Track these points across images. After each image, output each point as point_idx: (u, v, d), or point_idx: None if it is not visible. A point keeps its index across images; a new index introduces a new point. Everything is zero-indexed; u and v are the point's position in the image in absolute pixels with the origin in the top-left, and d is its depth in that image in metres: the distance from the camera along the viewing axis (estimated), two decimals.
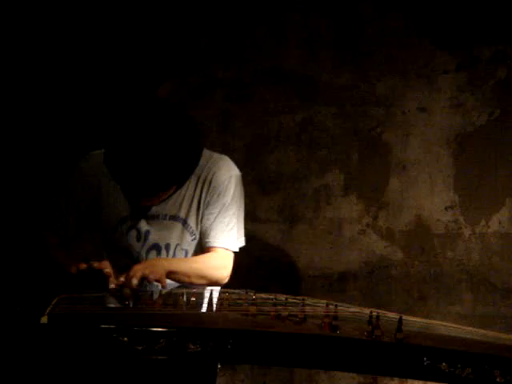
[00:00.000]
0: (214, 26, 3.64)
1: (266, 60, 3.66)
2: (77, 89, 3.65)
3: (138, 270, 2.48)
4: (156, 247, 2.74)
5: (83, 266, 2.48)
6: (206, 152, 2.76)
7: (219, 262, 2.72)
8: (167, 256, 2.73)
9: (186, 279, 2.64)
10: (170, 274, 2.58)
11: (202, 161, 2.70)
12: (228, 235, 2.74)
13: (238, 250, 2.76)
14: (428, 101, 3.64)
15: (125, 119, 2.52)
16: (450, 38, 3.59)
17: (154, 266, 2.54)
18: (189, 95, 3.58)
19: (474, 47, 3.59)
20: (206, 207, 2.73)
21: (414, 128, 3.66)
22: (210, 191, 2.73)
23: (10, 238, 3.62)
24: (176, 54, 3.63)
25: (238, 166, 2.76)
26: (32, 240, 2.92)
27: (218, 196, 2.73)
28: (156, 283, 2.53)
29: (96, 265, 2.46)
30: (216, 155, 2.77)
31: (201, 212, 2.74)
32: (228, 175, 2.76)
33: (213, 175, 2.73)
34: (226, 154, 2.82)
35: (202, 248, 2.77)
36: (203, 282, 2.66)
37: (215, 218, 2.73)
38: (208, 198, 2.73)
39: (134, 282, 2.45)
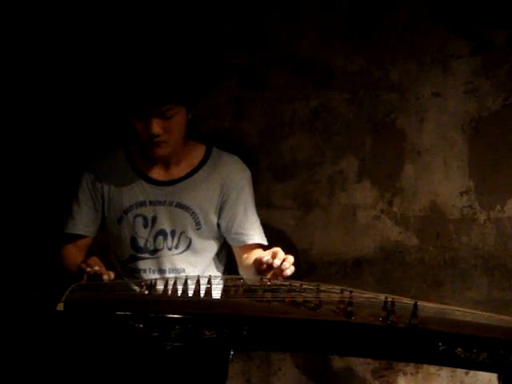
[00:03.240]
0: (228, 12, 3.63)
1: (280, 46, 3.65)
2: (85, 87, 3.65)
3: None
4: (162, 233, 2.80)
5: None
6: (215, 150, 2.87)
7: None
8: (172, 242, 2.78)
9: None
10: None
11: (212, 158, 2.83)
12: (262, 231, 2.87)
13: None
14: (442, 86, 3.63)
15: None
16: (464, 22, 3.57)
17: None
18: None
19: (488, 31, 3.57)
20: (225, 207, 2.81)
21: (429, 113, 3.65)
22: (225, 191, 2.81)
23: (27, 227, 3.64)
24: (189, 41, 3.62)
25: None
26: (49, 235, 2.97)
27: (238, 196, 2.83)
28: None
29: (88, 269, 2.47)
30: (227, 154, 2.88)
31: (213, 208, 2.81)
32: (242, 175, 2.86)
33: (227, 175, 2.81)
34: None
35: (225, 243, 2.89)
36: None
37: (244, 216, 2.81)
38: (225, 198, 2.82)
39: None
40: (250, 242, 2.84)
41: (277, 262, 2.47)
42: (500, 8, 3.54)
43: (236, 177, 2.83)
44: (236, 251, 2.89)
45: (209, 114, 3.61)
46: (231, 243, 2.87)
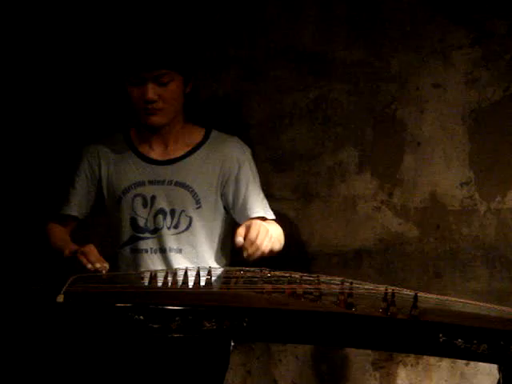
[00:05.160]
0: (227, 2, 3.63)
1: (279, 37, 3.64)
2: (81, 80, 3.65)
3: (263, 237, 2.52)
4: (162, 212, 2.82)
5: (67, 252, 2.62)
6: (215, 132, 2.91)
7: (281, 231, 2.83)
8: (171, 222, 2.80)
9: (277, 246, 2.71)
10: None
11: (212, 138, 2.87)
12: (266, 205, 2.89)
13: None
14: (442, 77, 3.62)
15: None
16: (464, 12, 3.56)
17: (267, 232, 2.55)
18: (201, 73, 3.56)
19: (489, 22, 3.55)
20: (227, 185, 2.84)
21: (429, 104, 3.64)
22: (226, 169, 2.83)
23: (26, 218, 3.64)
24: (188, 32, 3.61)
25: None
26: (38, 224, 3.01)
27: (239, 172, 2.86)
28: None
29: (89, 266, 2.52)
30: (225, 135, 2.92)
31: (213, 187, 2.83)
32: (242, 151, 2.89)
33: (227, 153, 2.84)
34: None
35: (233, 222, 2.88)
36: (278, 249, 2.73)
37: (246, 191, 2.85)
38: (226, 176, 2.84)
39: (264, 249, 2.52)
40: (254, 215, 2.82)
41: (247, 250, 2.49)
42: None
43: (236, 154, 2.86)
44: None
45: (208, 105, 3.60)
46: (238, 221, 2.85)
